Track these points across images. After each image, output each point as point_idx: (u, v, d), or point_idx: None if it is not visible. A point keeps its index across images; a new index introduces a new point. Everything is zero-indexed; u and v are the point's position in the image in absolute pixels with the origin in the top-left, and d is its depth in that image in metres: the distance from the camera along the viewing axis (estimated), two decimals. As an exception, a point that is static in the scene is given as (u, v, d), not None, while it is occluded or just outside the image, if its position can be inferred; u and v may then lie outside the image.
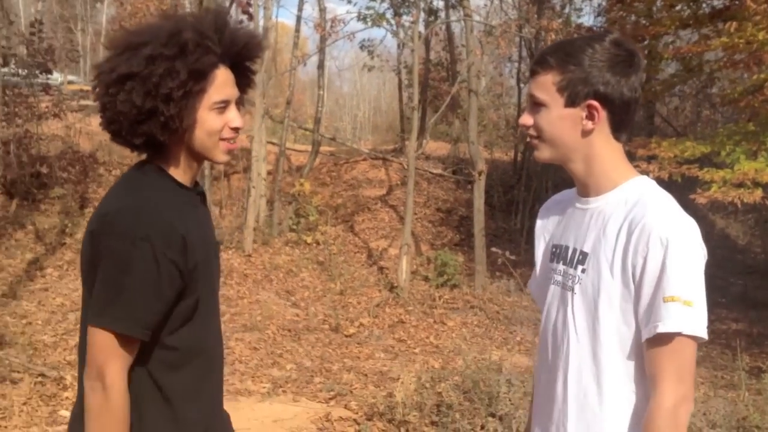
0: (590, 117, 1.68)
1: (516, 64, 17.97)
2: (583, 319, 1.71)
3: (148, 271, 1.63)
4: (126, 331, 1.64)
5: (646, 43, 12.01)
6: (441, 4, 17.67)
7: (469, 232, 13.79)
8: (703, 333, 1.56)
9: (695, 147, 8.87)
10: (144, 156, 1.83)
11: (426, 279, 11.57)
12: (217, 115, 1.77)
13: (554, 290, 1.83)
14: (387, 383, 6.50)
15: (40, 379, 5.58)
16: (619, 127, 1.71)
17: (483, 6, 19.32)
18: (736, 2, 9.51)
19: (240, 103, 1.87)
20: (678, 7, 11.37)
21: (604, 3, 15.25)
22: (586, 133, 1.70)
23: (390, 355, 8.02)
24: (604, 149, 1.71)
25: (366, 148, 19.78)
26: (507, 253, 8.53)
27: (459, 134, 18.78)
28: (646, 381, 1.65)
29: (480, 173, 11.77)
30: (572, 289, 1.75)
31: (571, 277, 1.76)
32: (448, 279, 11.24)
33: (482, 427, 4.94)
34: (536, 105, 1.73)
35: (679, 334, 1.55)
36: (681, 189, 8.44)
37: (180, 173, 1.81)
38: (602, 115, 1.68)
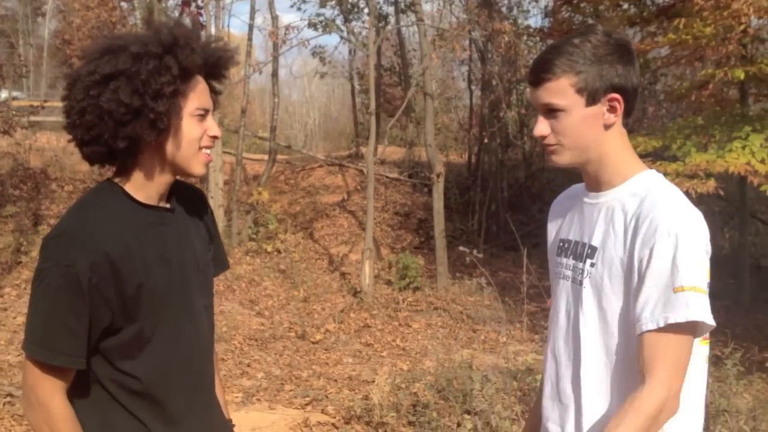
0: (612, 110, 1.72)
1: (467, 67, 18.10)
2: (595, 313, 1.73)
3: (69, 298, 1.59)
4: (46, 360, 1.61)
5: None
6: (391, 10, 17.73)
7: (428, 234, 13.88)
8: (713, 321, 1.57)
9: (647, 142, 9.09)
10: (109, 172, 1.77)
11: (389, 283, 11.60)
12: (197, 122, 1.75)
13: (564, 285, 1.85)
14: (360, 387, 6.52)
15: (8, 399, 5.48)
16: (628, 114, 1.75)
17: (436, 11, 19.50)
18: (681, -1, 9.78)
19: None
20: (624, 6, 11.62)
21: (551, 4, 15.50)
22: (607, 127, 1.73)
23: (358, 360, 8.03)
24: (618, 141, 1.75)
25: (320, 155, 19.77)
26: (475, 252, 8.57)
27: (413, 138, 18.88)
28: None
29: (438, 175, 11.87)
30: (582, 283, 1.77)
31: (580, 271, 1.78)
32: (411, 282, 11.29)
33: (458, 425, 5.00)
34: (551, 111, 1.73)
35: (687, 324, 1.56)
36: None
37: (144, 191, 1.75)
38: (622, 106, 1.72)
